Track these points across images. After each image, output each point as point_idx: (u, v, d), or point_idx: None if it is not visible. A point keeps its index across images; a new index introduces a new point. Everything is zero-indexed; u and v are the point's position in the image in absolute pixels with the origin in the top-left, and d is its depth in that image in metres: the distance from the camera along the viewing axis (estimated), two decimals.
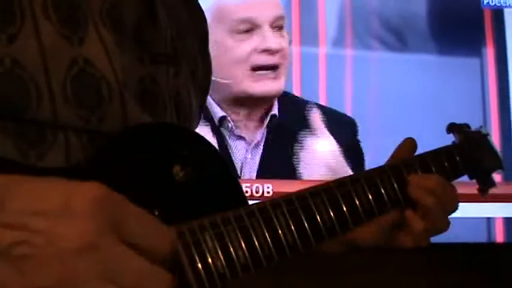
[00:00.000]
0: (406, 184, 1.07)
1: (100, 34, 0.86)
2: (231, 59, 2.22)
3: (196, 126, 1.08)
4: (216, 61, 2.21)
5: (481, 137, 1.25)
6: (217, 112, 2.22)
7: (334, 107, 2.50)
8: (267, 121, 2.24)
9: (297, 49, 2.47)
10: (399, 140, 1.20)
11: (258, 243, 0.87)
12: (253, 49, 2.21)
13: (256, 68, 2.21)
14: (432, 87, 2.61)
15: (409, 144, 1.17)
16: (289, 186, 2.20)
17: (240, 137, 2.22)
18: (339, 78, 2.56)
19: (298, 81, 2.53)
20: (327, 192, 0.97)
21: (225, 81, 2.21)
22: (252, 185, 2.24)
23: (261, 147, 2.25)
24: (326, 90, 2.61)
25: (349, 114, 2.53)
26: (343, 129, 2.40)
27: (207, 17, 2.21)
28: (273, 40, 2.22)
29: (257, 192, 2.23)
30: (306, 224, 0.93)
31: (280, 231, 0.90)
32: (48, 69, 0.81)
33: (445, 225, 1.09)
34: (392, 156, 1.16)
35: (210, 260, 0.83)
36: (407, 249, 1.08)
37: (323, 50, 2.67)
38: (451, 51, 2.63)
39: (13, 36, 0.79)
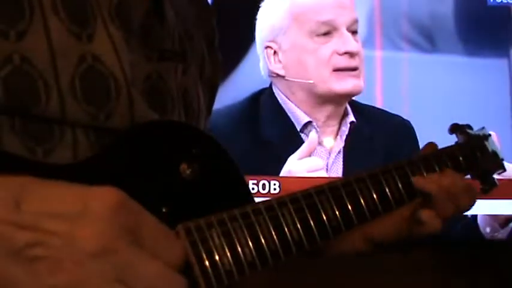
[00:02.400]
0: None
1: (108, 31, 0.86)
2: (313, 61, 2.23)
3: (205, 125, 1.08)
4: (297, 63, 2.23)
5: (483, 138, 1.26)
6: (302, 117, 2.22)
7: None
8: (347, 128, 2.23)
9: None
10: (428, 141, 1.21)
11: (264, 240, 0.87)
12: (334, 51, 2.22)
13: (338, 70, 2.22)
14: (461, 88, 2.59)
15: (431, 148, 1.17)
16: (296, 183, 2.19)
17: (320, 143, 2.22)
18: (369, 78, 2.55)
19: None
20: (332, 190, 0.97)
21: (308, 81, 2.22)
22: (258, 182, 2.24)
23: (342, 153, 2.25)
24: None
25: None
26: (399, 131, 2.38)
27: (284, 19, 2.23)
28: (352, 43, 2.23)
29: (264, 188, 2.23)
30: (311, 222, 0.93)
31: (286, 229, 0.90)
32: (57, 66, 0.81)
33: (451, 209, 1.09)
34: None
35: (217, 257, 0.83)
36: (414, 249, 1.09)
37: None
38: (479, 52, 2.62)
39: (22, 33, 0.80)
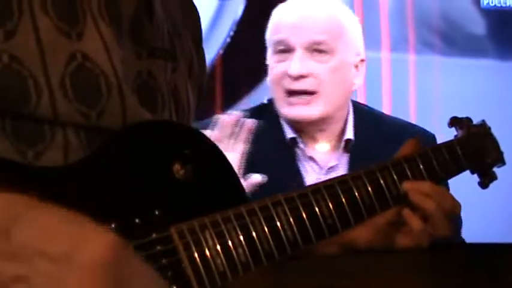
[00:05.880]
0: (405, 192, 1.07)
1: (99, 29, 0.85)
2: (270, 80, 2.15)
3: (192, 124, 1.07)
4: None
5: (483, 131, 1.24)
6: (288, 132, 2.16)
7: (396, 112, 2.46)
8: (342, 145, 2.16)
9: None
10: None
11: (258, 241, 0.86)
12: (285, 72, 2.12)
13: (289, 92, 2.14)
14: (493, 91, 2.57)
15: (412, 143, 1.15)
16: None
17: (312, 159, 2.16)
18: (403, 83, 2.54)
19: (363, 87, 2.51)
20: (328, 189, 0.96)
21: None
22: None
23: (340, 171, 2.16)
24: (390, 96, 2.59)
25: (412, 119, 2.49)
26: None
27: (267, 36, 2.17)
28: (296, 65, 2.07)
29: None
30: (306, 221, 0.92)
31: (280, 229, 0.89)
32: (46, 64, 0.80)
33: (446, 229, 1.08)
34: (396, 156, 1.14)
35: (210, 258, 0.82)
36: (406, 251, 1.07)
37: (386, 54, 2.65)
38: (510, 56, 2.60)
39: (11, 32, 0.79)
